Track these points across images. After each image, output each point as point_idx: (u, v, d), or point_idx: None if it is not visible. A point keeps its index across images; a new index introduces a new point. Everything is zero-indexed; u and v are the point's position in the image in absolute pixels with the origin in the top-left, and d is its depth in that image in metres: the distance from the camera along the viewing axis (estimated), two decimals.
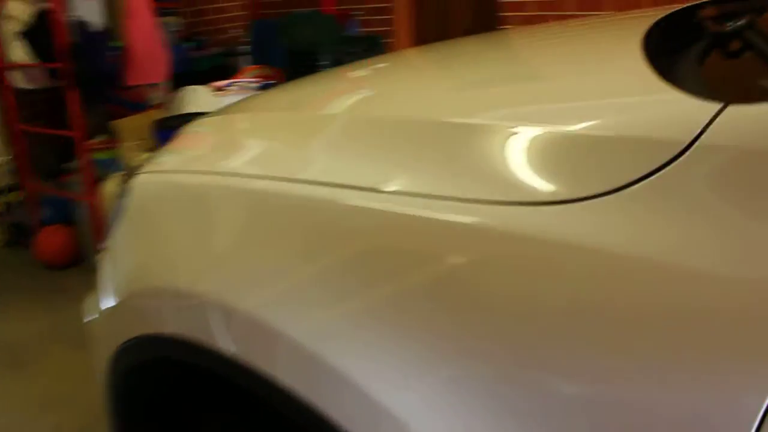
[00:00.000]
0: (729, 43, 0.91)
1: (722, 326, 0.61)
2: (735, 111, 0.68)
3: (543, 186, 0.74)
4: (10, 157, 3.83)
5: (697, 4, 1.20)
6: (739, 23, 0.88)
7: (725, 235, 0.63)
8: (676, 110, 0.73)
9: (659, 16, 1.11)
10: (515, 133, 0.81)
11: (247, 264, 0.92)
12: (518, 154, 0.79)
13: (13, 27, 3.44)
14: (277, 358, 0.87)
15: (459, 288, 0.74)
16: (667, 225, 0.66)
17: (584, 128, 0.76)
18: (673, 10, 1.16)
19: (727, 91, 0.71)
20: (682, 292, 0.63)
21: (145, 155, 2.80)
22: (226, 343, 0.92)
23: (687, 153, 0.67)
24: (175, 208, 1.09)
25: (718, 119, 0.68)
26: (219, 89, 3.24)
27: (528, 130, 0.80)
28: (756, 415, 0.60)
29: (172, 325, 1.03)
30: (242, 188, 0.98)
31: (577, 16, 3.22)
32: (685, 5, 1.19)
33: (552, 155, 0.76)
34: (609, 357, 0.66)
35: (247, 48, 4.60)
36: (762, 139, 0.65)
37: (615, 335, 0.66)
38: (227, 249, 0.96)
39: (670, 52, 0.91)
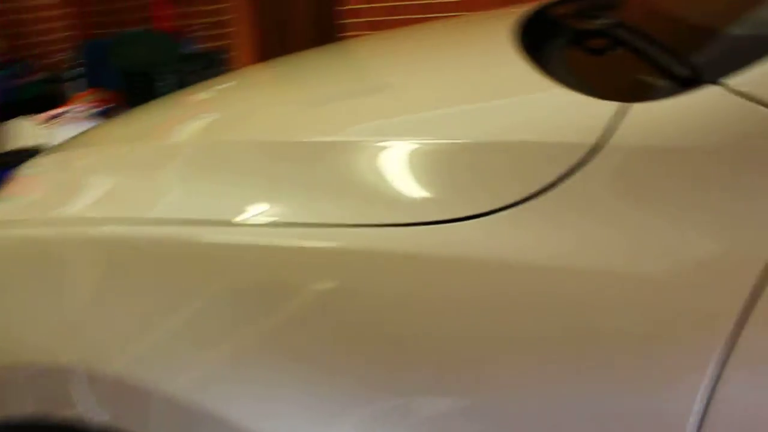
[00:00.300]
0: (595, 41, 0.90)
1: (641, 325, 0.61)
2: (641, 109, 0.66)
3: (430, 204, 0.70)
4: None
5: (550, 3, 1.21)
6: (610, 20, 0.88)
7: (643, 236, 0.62)
8: (579, 111, 0.70)
9: (518, 16, 1.10)
10: (388, 149, 0.76)
11: (108, 322, 0.82)
12: (396, 172, 0.74)
13: None
14: (155, 418, 0.79)
15: (338, 315, 0.69)
16: (581, 231, 0.63)
17: (480, 136, 0.72)
18: (531, 9, 1.15)
19: (623, 89, 0.70)
20: (596, 297, 0.62)
21: None
22: (96, 413, 0.82)
23: (599, 155, 0.65)
24: (18, 269, 0.94)
25: (626, 119, 0.66)
26: (50, 119, 2.98)
27: (404, 145, 0.76)
28: (686, 417, 0.60)
29: (31, 404, 0.89)
30: (91, 237, 0.87)
31: (421, 20, 3.25)
32: (540, 4, 1.20)
33: (437, 169, 0.72)
34: (522, 369, 0.64)
35: (78, 71, 4.29)
36: (672, 137, 0.63)
37: (528, 347, 0.64)
38: (83, 309, 0.85)
39: (548, 52, 0.89)
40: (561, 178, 0.65)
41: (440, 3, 3.66)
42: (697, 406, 0.59)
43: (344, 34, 3.98)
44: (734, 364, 0.58)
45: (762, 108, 0.61)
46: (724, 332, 0.58)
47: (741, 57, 0.65)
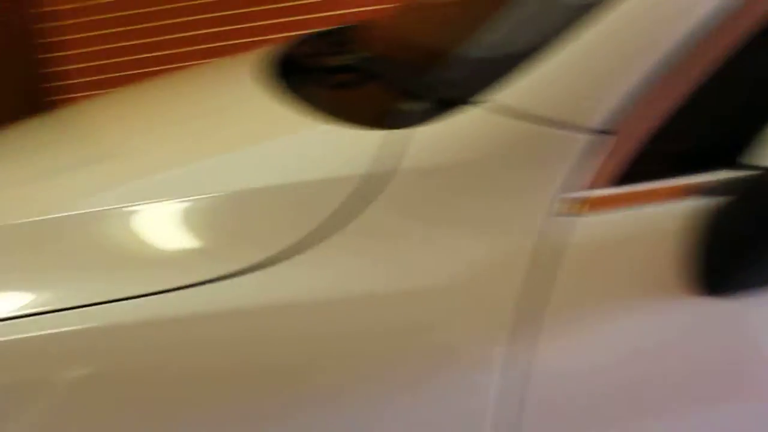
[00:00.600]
0: (353, 75, 0.93)
1: (437, 334, 0.64)
2: (421, 132, 0.69)
3: (206, 262, 0.66)
4: None
5: (290, 44, 1.22)
6: (359, 54, 0.91)
7: (427, 252, 0.65)
8: (354, 144, 0.71)
9: (260, 59, 1.10)
10: (140, 213, 0.71)
11: None
12: (162, 235, 0.70)
13: None
14: None
15: (103, 400, 0.63)
16: (374, 259, 0.65)
17: (250, 184, 0.70)
18: (274, 52, 1.16)
19: (391, 117, 0.73)
20: (394, 319, 0.64)
21: None
22: None
23: (390, 184, 0.66)
24: None
25: (412, 144, 0.68)
26: None
27: (162, 207, 0.71)
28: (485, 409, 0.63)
29: None
30: None
31: (138, 77, 3.13)
32: (281, 46, 1.21)
33: (211, 225, 0.69)
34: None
35: None
36: (444, 156, 0.67)
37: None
38: None
39: (304, 91, 0.90)
40: (347, 212, 0.66)
41: (153, 57, 3.57)
42: (495, 396, 0.63)
43: (57, 98, 3.70)
44: (523, 353, 0.63)
45: (513, 121, 0.67)
46: (508, 325, 0.63)
47: (490, 76, 0.71)
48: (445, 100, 0.71)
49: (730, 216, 0.62)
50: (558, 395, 0.64)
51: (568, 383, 0.64)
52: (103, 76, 3.58)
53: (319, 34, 1.23)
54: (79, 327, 0.63)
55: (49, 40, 3.51)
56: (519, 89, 0.68)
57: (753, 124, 0.64)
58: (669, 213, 0.65)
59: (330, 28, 1.26)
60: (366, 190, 0.67)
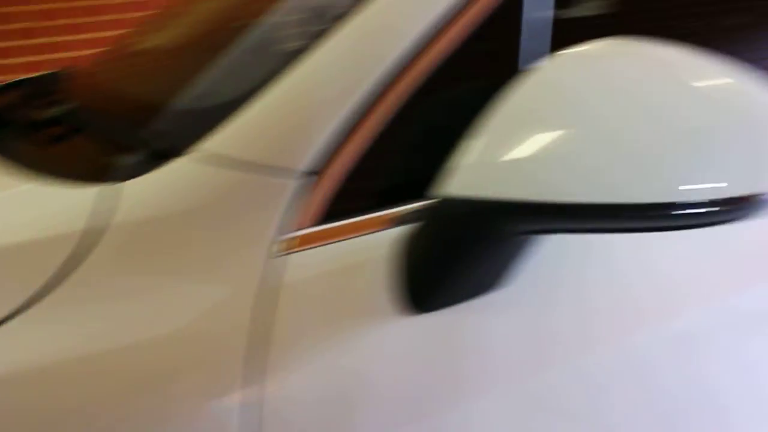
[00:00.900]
0: (57, 128, 0.89)
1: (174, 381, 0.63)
2: (131, 186, 0.69)
3: None
4: None
5: None
6: (65, 105, 0.87)
7: (155, 302, 0.64)
8: (64, 202, 0.69)
9: None
10: None
11: None
12: None
13: None
14: None
15: None
16: (96, 318, 0.63)
17: None
18: None
19: (103, 171, 0.71)
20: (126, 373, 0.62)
21: None
22: None
23: (102, 240, 0.65)
24: None
25: (122, 198, 0.67)
26: None
27: None
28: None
29: None
30: None
31: None
32: None
33: None
34: None
35: None
36: (160, 207, 0.68)
37: None
38: None
39: (7, 145, 0.84)
40: (57, 274, 0.64)
41: None
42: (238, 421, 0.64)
43: None
44: (256, 395, 0.64)
45: (223, 169, 0.69)
46: (240, 370, 0.64)
47: (200, 125, 0.73)
48: (157, 152, 0.72)
49: (419, 241, 0.70)
50: None
51: (299, 419, 0.67)
52: None
53: (19, 83, 1.15)
54: None
55: None
56: (226, 137, 0.71)
57: (437, 159, 0.72)
58: (373, 243, 0.71)
59: (31, 75, 1.19)
60: (77, 249, 0.65)
